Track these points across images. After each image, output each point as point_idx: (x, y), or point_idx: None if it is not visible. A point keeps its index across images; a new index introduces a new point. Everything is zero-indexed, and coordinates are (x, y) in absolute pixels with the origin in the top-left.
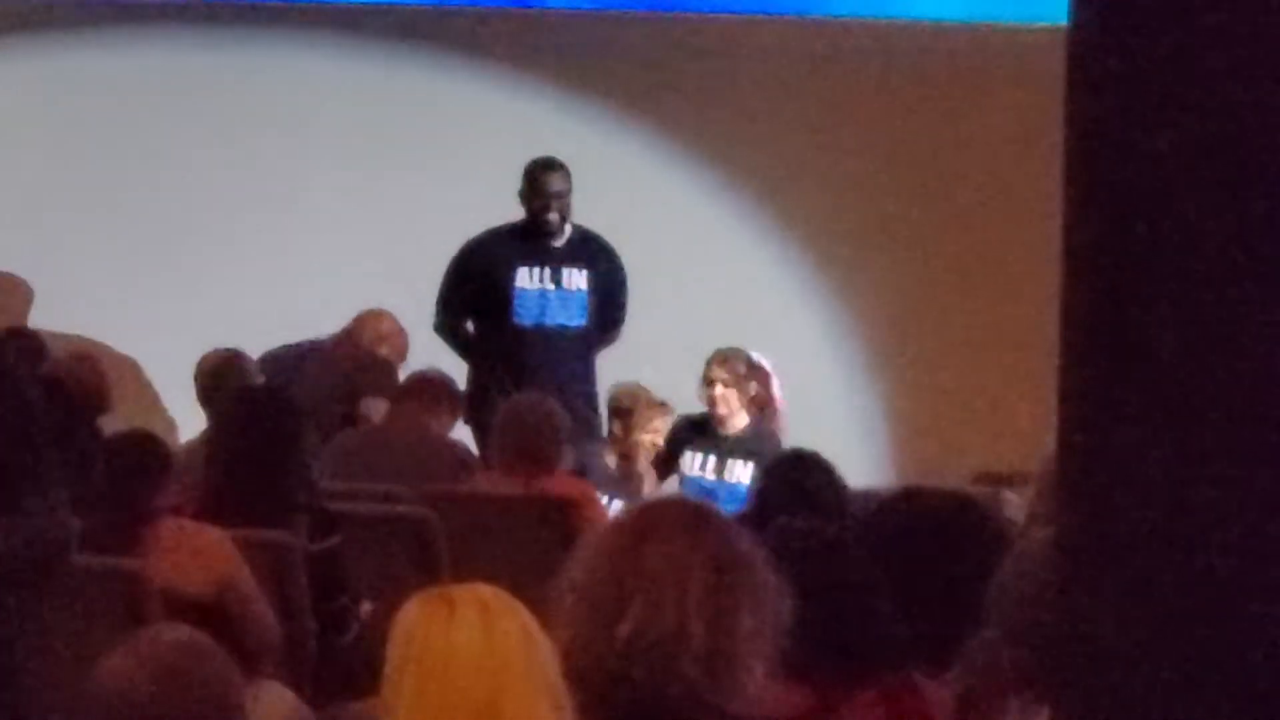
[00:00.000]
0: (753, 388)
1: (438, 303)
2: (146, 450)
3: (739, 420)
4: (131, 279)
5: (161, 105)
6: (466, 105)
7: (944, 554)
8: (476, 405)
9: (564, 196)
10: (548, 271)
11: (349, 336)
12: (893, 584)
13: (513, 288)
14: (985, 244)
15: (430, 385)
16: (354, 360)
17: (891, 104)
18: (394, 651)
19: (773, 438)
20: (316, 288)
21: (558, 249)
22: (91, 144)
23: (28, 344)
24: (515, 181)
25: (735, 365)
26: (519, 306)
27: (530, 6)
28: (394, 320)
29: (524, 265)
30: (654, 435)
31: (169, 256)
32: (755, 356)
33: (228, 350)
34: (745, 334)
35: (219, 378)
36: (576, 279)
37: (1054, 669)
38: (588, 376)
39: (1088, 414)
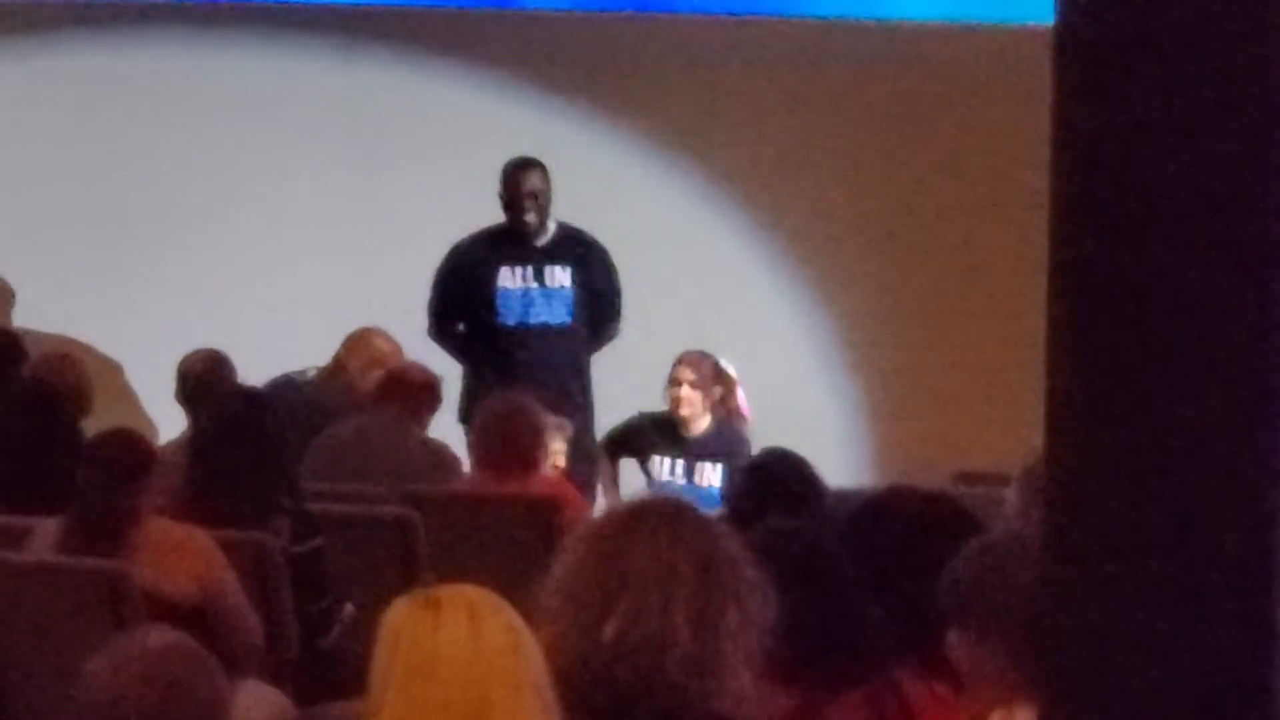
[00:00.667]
0: (717, 392)
1: (428, 309)
2: (129, 450)
3: (703, 422)
4: (112, 280)
5: (143, 106)
6: (452, 106)
7: (928, 554)
8: (470, 407)
9: (541, 195)
10: (530, 270)
11: (339, 366)
12: (876, 584)
13: (495, 288)
14: (967, 243)
15: (408, 383)
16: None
17: (875, 104)
18: (380, 652)
19: (740, 438)
20: (301, 289)
21: (540, 247)
22: (74, 145)
23: (6, 344)
24: (489, 181)
25: (701, 368)
26: (502, 306)
27: (513, 7)
28: (386, 338)
29: (506, 265)
30: (554, 458)
31: (150, 257)
32: (723, 363)
33: (209, 351)
34: (726, 333)
35: (201, 379)
36: (560, 276)
37: (1040, 667)
38: (578, 374)
39: (1075, 415)
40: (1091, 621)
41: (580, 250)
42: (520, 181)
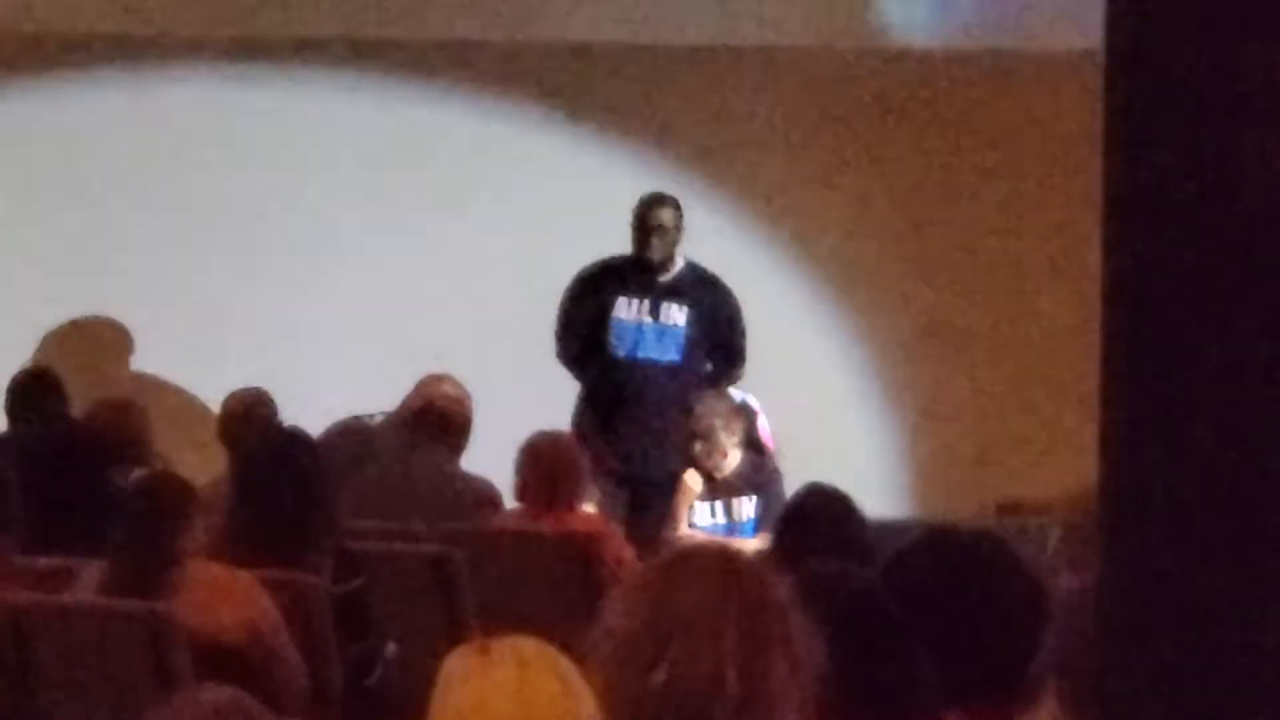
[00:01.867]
0: (738, 429)
1: (555, 332)
2: (171, 492)
3: (730, 462)
4: (157, 314)
5: (182, 139)
6: (488, 138)
7: (975, 596)
8: (579, 429)
9: (669, 232)
10: (647, 304)
11: (408, 414)
12: (924, 626)
13: (610, 317)
14: (1009, 271)
15: (442, 418)
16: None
17: (914, 130)
18: (433, 703)
19: (768, 468)
20: (342, 324)
21: (662, 283)
22: (117, 177)
23: (41, 383)
24: (534, 212)
25: (705, 420)
26: (615, 337)
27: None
28: (454, 385)
29: (624, 296)
30: None
31: (196, 292)
32: (739, 398)
33: (251, 390)
34: (763, 362)
35: (242, 418)
36: (676, 314)
37: (1100, 706)
38: (686, 414)
39: (1131, 447)
40: (1150, 656)
41: (702, 291)
42: (649, 216)
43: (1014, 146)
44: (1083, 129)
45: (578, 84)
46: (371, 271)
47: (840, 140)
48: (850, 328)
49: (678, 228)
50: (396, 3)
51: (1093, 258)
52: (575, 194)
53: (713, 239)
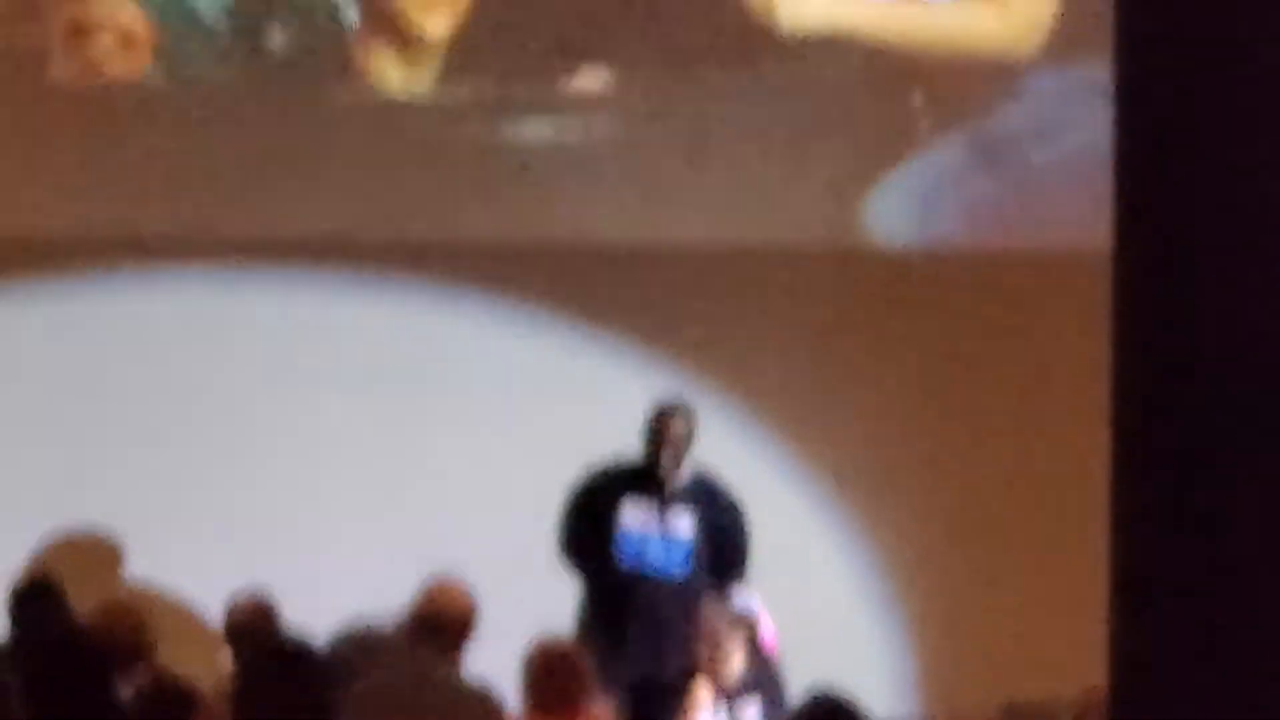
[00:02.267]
0: (740, 635)
1: (557, 530)
2: (174, 698)
3: (731, 665)
4: (156, 519)
5: (184, 344)
6: (491, 340)
7: None
8: (587, 636)
9: (681, 442)
10: (654, 514)
11: (412, 618)
12: None
13: (616, 525)
14: (1013, 470)
15: (441, 621)
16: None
17: (913, 332)
18: None
19: (772, 672)
20: (346, 522)
21: (669, 492)
22: (121, 385)
23: (38, 589)
24: (538, 415)
25: (713, 626)
26: (620, 546)
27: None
28: (459, 589)
29: (632, 504)
30: None
31: (196, 496)
32: (740, 604)
33: (254, 594)
34: (767, 561)
35: (245, 623)
36: (683, 525)
37: None
38: (687, 630)
39: (1142, 657)
40: None
41: (709, 500)
42: (662, 427)
43: (1018, 347)
44: (1084, 328)
45: (582, 286)
46: (376, 473)
47: (844, 340)
48: (854, 529)
49: (689, 438)
50: (396, 202)
51: (1099, 460)
52: (579, 397)
53: (717, 439)
